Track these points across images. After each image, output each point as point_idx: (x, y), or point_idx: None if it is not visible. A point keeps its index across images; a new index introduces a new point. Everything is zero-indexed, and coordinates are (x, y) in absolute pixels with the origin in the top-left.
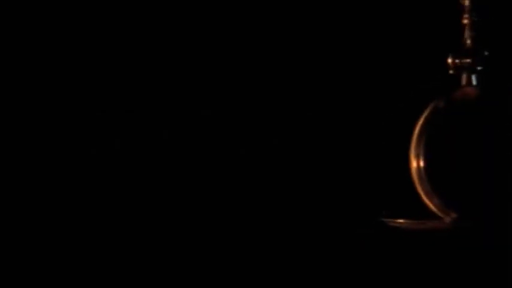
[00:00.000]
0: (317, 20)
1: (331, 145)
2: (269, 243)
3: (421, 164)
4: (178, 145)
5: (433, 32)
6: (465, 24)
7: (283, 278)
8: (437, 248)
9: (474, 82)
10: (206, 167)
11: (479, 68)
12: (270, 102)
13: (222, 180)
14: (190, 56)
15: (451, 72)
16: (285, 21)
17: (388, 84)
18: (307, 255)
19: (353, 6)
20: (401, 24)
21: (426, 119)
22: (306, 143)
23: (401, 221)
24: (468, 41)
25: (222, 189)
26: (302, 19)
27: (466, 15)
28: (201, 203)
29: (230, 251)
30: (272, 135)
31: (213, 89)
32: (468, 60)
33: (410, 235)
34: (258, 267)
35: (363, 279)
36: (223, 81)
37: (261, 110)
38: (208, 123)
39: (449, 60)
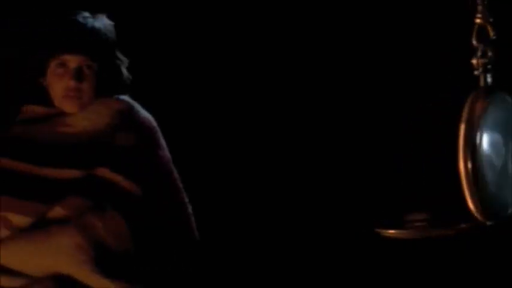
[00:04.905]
0: (331, 24)
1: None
2: (270, 245)
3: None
4: (178, 145)
5: (456, 35)
6: (480, 25)
7: (283, 278)
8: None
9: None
10: (208, 168)
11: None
12: (286, 105)
13: (221, 182)
14: (191, 57)
15: (475, 73)
16: (298, 21)
17: (413, 85)
18: (308, 258)
19: (371, 8)
20: (426, 26)
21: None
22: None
23: (392, 231)
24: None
25: (221, 190)
26: (323, 17)
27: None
28: (204, 204)
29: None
30: (291, 138)
31: (214, 89)
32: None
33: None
34: (258, 267)
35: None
36: (223, 82)
37: (273, 112)
38: (208, 123)
39: (474, 61)
